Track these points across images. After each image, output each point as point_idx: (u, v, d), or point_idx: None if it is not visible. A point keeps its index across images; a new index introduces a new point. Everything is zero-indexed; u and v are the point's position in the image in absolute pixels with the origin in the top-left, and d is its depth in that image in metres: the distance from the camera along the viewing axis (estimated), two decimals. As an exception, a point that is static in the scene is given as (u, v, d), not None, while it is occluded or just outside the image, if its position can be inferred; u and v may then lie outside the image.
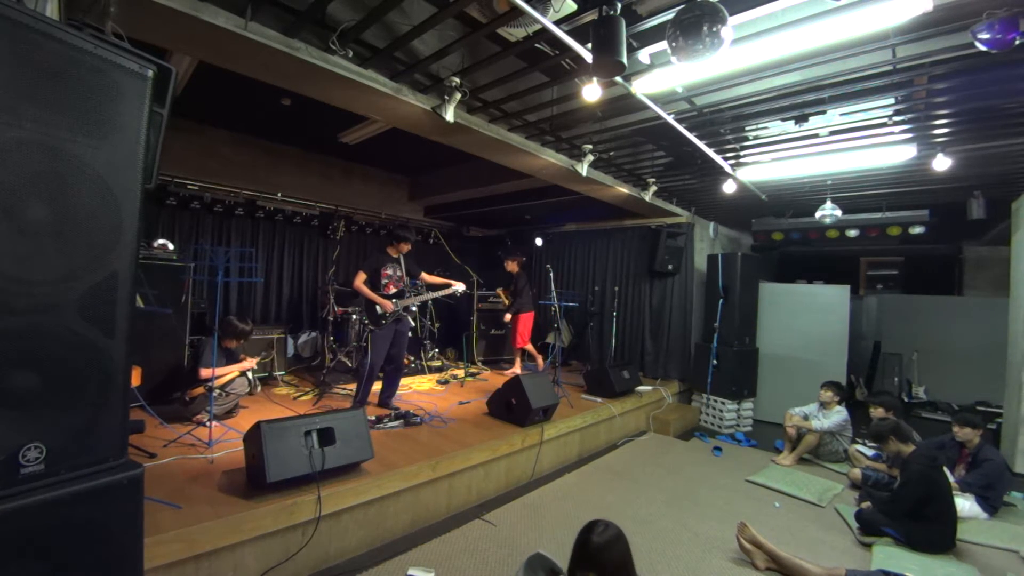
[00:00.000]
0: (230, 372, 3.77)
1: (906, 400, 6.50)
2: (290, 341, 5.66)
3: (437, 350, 6.75)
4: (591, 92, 2.81)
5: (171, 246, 4.46)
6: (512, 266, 6.17)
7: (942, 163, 3.66)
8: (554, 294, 5.36)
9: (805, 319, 6.01)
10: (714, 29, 1.87)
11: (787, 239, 6.41)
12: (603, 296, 7.05)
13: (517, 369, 6.19)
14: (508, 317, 6.14)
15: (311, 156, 6.27)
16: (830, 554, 2.92)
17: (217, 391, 3.51)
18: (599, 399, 5.10)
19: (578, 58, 2.44)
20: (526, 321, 6.12)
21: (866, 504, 3.30)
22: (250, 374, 3.91)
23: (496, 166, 4.55)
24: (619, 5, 2.03)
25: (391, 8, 2.32)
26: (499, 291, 6.32)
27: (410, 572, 2.49)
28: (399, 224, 5.07)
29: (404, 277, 4.44)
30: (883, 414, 4.10)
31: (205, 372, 3.54)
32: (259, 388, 3.96)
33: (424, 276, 4.59)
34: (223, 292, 4.80)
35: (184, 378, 3.81)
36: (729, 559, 2.80)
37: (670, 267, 6.24)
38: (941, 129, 3.42)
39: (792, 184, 4.90)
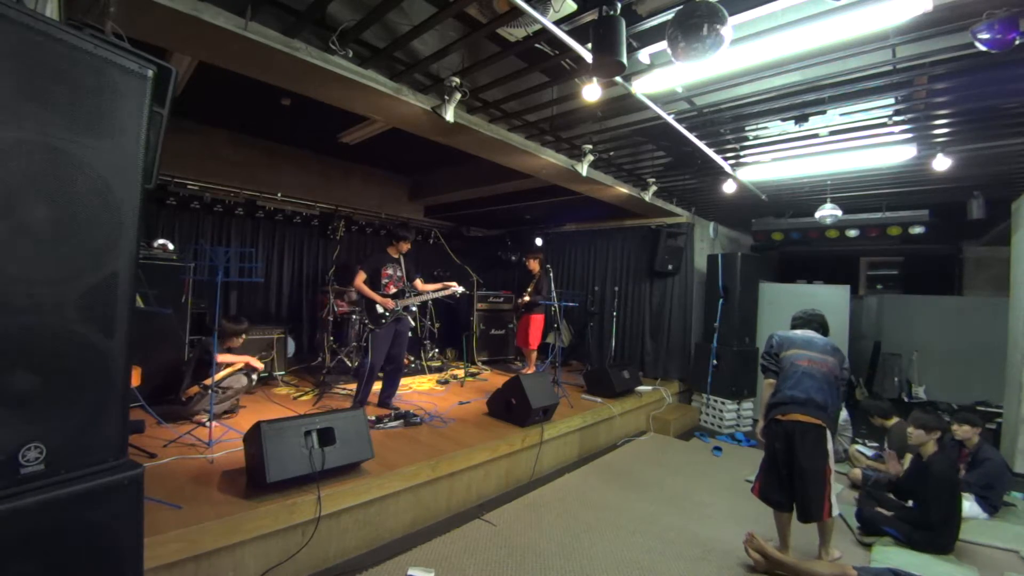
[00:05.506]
0: (237, 362, 3.84)
1: (906, 400, 6.50)
2: (290, 341, 5.66)
3: (437, 350, 6.74)
4: (591, 92, 2.81)
5: (171, 246, 4.46)
6: (534, 265, 6.14)
7: (942, 163, 3.66)
8: (554, 294, 5.36)
9: (805, 319, 6.00)
10: (714, 29, 1.87)
11: (787, 239, 6.41)
12: (603, 296, 7.05)
13: (532, 371, 6.12)
14: (524, 300, 6.07)
15: (311, 156, 6.27)
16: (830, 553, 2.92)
17: (216, 389, 3.51)
18: (599, 399, 5.10)
19: (578, 58, 2.44)
20: (538, 322, 6.06)
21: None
22: (254, 373, 3.94)
23: (496, 166, 4.55)
24: (619, 5, 2.03)
25: (391, 8, 2.32)
26: (530, 288, 6.28)
27: (410, 572, 2.49)
28: (399, 224, 5.07)
29: (404, 277, 4.44)
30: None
31: (220, 357, 3.62)
32: (255, 382, 4.02)
33: (418, 283, 4.53)
34: (223, 292, 4.79)
35: (191, 371, 3.83)
36: (729, 559, 2.80)
37: (670, 267, 6.23)
38: (941, 129, 3.42)
39: (792, 184, 4.90)
